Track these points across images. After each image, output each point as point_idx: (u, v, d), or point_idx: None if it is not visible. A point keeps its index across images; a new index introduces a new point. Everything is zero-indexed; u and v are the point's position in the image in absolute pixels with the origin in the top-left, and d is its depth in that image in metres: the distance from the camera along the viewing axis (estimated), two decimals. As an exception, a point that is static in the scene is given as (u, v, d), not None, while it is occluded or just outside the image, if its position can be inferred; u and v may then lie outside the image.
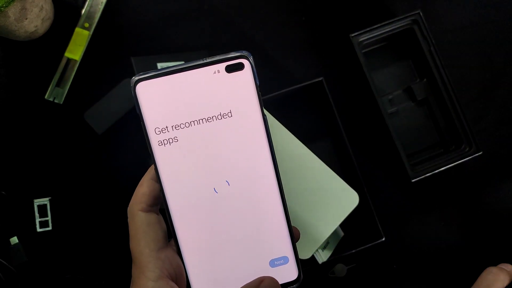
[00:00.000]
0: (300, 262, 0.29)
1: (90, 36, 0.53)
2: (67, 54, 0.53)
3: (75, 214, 0.52)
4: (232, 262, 0.28)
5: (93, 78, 0.54)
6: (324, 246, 0.49)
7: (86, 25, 0.54)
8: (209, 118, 0.27)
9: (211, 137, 0.27)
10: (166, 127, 0.27)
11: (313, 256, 0.48)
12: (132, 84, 0.26)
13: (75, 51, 0.53)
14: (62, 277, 0.51)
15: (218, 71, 0.27)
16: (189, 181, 0.27)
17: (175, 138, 0.27)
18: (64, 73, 0.53)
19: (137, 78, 0.26)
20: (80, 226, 0.52)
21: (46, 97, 0.53)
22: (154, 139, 0.27)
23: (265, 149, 0.28)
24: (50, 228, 0.52)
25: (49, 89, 0.53)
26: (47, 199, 0.52)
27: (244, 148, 0.28)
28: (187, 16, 0.55)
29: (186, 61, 0.53)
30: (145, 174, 0.29)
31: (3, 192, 0.51)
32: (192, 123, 0.27)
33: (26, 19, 0.47)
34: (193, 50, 0.54)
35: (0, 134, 0.53)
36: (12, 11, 0.45)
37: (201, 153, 0.27)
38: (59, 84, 0.53)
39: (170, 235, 0.28)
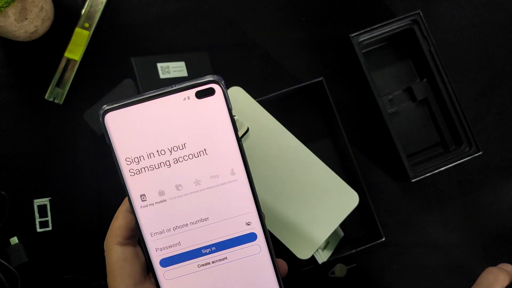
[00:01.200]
0: None
1: (90, 36, 0.53)
2: (67, 54, 0.53)
3: (75, 214, 0.52)
4: None
5: (93, 78, 0.54)
6: (324, 246, 0.49)
7: (86, 25, 0.54)
8: (180, 146, 0.26)
9: (183, 166, 0.26)
10: (138, 156, 0.26)
11: (313, 256, 0.48)
12: (100, 114, 0.26)
13: (75, 51, 0.53)
14: (62, 277, 0.51)
15: (188, 98, 0.26)
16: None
17: (147, 167, 0.26)
18: (64, 73, 0.53)
19: (106, 108, 0.26)
20: (80, 226, 0.52)
21: (46, 97, 0.53)
22: (125, 169, 0.26)
23: (243, 179, 0.27)
24: (50, 228, 0.52)
25: (49, 89, 0.53)
26: (47, 199, 0.52)
27: (218, 179, 0.27)
28: (187, 16, 0.55)
29: (187, 61, 0.53)
30: (120, 206, 0.28)
31: (3, 192, 0.51)
32: (162, 151, 0.26)
33: (26, 19, 0.47)
34: (193, 50, 0.54)
35: (0, 134, 0.53)
36: (12, 11, 0.45)
37: (174, 182, 0.26)
38: (59, 84, 0.53)
39: (149, 268, 0.28)
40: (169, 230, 0.27)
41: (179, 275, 0.27)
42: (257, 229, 0.27)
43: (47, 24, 0.52)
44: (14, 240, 0.51)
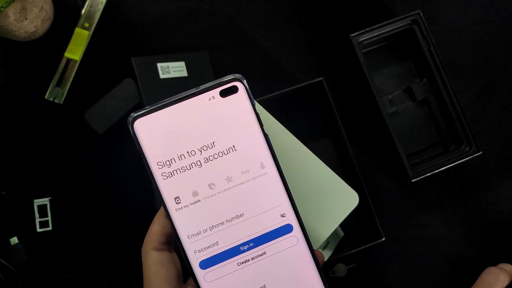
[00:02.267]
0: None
1: (90, 36, 0.53)
2: (67, 54, 0.53)
3: (75, 214, 0.52)
4: None
5: (93, 78, 0.54)
6: (324, 246, 0.49)
7: (86, 25, 0.54)
8: (209, 145, 0.27)
9: (214, 164, 0.27)
10: (169, 159, 0.26)
11: (313, 256, 0.48)
12: (129, 122, 0.26)
13: (75, 51, 0.53)
14: (62, 277, 0.51)
15: (213, 97, 0.27)
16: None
17: (179, 169, 0.26)
18: (64, 73, 0.53)
19: (134, 115, 0.26)
20: (80, 226, 0.52)
21: (46, 97, 0.53)
22: (157, 173, 0.26)
23: (273, 172, 0.27)
24: (50, 228, 0.52)
25: (49, 89, 0.53)
26: (47, 199, 0.52)
27: (249, 174, 0.27)
28: (187, 16, 0.55)
29: (187, 61, 0.53)
30: (157, 212, 0.28)
31: (3, 192, 0.51)
32: (192, 152, 0.27)
33: (26, 19, 0.47)
34: (193, 50, 0.54)
35: (0, 134, 0.53)
36: (12, 11, 0.45)
37: (207, 181, 0.27)
38: (59, 84, 0.53)
39: (187, 274, 0.28)
40: (206, 230, 0.27)
41: (219, 276, 0.27)
42: (292, 220, 0.28)
43: (47, 24, 0.52)
44: (14, 240, 0.51)
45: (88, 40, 0.53)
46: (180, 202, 0.27)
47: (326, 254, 0.49)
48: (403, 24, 0.52)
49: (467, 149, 0.52)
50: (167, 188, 0.27)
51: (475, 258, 0.54)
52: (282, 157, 0.46)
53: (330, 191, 0.47)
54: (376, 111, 0.52)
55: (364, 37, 0.52)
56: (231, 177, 0.27)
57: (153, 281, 0.26)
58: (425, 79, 0.54)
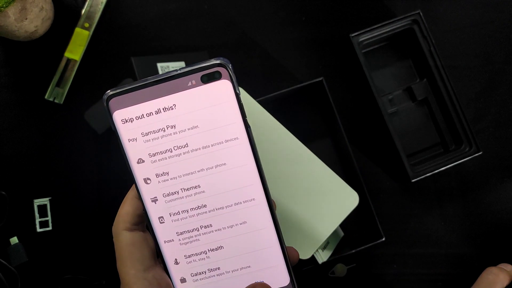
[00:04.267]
0: (291, 268, 0.27)
1: (90, 36, 0.53)
2: (67, 54, 0.53)
3: (75, 214, 0.52)
4: (223, 279, 0.27)
5: (93, 78, 0.54)
6: (324, 246, 0.49)
7: (86, 25, 0.54)
8: (185, 130, 0.25)
9: (190, 152, 0.25)
10: (141, 139, 0.26)
11: (313, 256, 0.48)
12: (104, 100, 0.25)
13: (75, 51, 0.53)
14: (62, 277, 0.51)
15: (193, 82, 0.25)
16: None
17: (153, 153, 0.26)
18: (64, 73, 0.53)
19: (110, 93, 0.25)
20: (80, 226, 0.52)
21: (46, 97, 0.53)
22: (132, 155, 0.26)
23: (250, 165, 0.26)
24: (50, 228, 0.52)
25: (49, 89, 0.53)
26: (47, 199, 0.52)
27: (227, 165, 0.26)
28: (187, 16, 0.55)
29: (187, 61, 0.53)
30: (128, 192, 0.28)
31: (3, 192, 0.51)
32: (167, 136, 0.25)
33: (26, 19, 0.47)
34: (193, 50, 0.54)
35: (0, 134, 0.53)
36: (12, 11, 0.45)
37: (181, 168, 0.26)
38: (59, 84, 0.53)
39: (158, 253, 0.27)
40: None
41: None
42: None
43: (47, 24, 0.52)
44: (14, 240, 0.51)
45: (88, 40, 0.53)
46: (149, 183, 0.26)
47: (326, 254, 0.49)
48: (403, 24, 0.52)
49: (467, 149, 0.52)
50: (139, 170, 0.26)
51: (475, 258, 0.54)
52: (281, 157, 0.46)
53: (330, 191, 0.47)
54: (376, 111, 0.52)
55: (364, 37, 0.52)
56: (202, 147, 0.26)
57: (127, 262, 0.26)
58: (425, 79, 0.54)
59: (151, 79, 0.25)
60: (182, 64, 0.53)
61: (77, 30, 0.53)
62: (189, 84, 0.25)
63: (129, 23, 0.55)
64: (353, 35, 0.51)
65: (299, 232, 0.45)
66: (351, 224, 0.52)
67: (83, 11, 0.54)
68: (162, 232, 0.27)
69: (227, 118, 0.25)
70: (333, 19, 0.56)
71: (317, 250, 0.47)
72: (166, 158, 0.26)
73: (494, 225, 0.55)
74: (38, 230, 0.51)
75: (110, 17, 0.54)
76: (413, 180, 0.51)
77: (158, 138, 0.26)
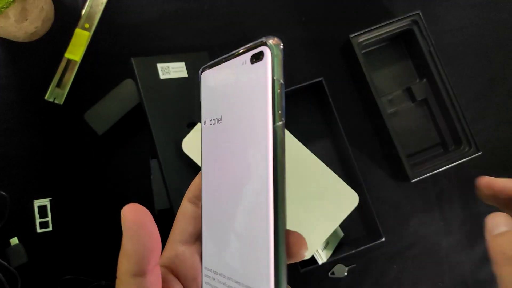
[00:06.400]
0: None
1: (90, 37, 0.54)
2: (67, 55, 0.53)
3: (75, 215, 0.52)
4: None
5: (93, 79, 0.54)
6: (324, 246, 0.49)
7: (86, 25, 0.54)
8: (229, 114, 0.23)
9: (224, 135, 0.24)
10: (206, 119, 0.25)
11: (313, 256, 0.48)
12: (199, 73, 0.26)
13: (75, 51, 0.53)
14: (62, 277, 0.51)
15: (245, 62, 0.22)
16: (210, 177, 0.26)
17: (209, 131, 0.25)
18: (64, 73, 0.53)
19: (204, 66, 0.25)
20: (80, 226, 0.52)
21: (46, 97, 0.53)
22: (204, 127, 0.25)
23: (264, 168, 0.20)
24: (50, 228, 0.52)
25: (49, 89, 0.53)
26: (47, 199, 0.52)
27: (244, 159, 0.23)
28: (187, 16, 0.55)
29: (187, 61, 0.53)
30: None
31: (3, 193, 0.51)
32: (217, 120, 0.24)
33: (27, 20, 0.47)
34: (193, 50, 0.54)
35: (1, 135, 0.53)
36: (13, 12, 0.45)
37: (215, 152, 0.25)
38: (59, 84, 0.53)
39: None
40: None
41: None
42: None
43: (47, 25, 0.52)
44: (14, 240, 0.51)
45: (88, 41, 0.53)
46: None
47: (326, 254, 0.49)
48: (403, 24, 0.52)
49: (467, 149, 0.52)
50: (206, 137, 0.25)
51: (475, 258, 0.54)
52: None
53: (330, 192, 0.47)
54: (376, 111, 0.52)
55: (364, 37, 0.52)
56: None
57: (173, 227, 0.26)
58: (425, 80, 0.54)
59: (224, 56, 0.24)
60: (182, 64, 0.53)
61: (77, 30, 0.53)
62: (242, 64, 0.23)
63: (129, 23, 0.55)
64: (352, 35, 0.51)
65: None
66: (351, 224, 0.52)
67: (83, 12, 0.54)
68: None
69: (254, 106, 0.22)
70: (333, 20, 0.56)
71: (317, 250, 0.47)
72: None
73: (494, 225, 0.55)
74: (38, 230, 0.51)
75: (110, 18, 0.54)
76: (413, 180, 0.51)
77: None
